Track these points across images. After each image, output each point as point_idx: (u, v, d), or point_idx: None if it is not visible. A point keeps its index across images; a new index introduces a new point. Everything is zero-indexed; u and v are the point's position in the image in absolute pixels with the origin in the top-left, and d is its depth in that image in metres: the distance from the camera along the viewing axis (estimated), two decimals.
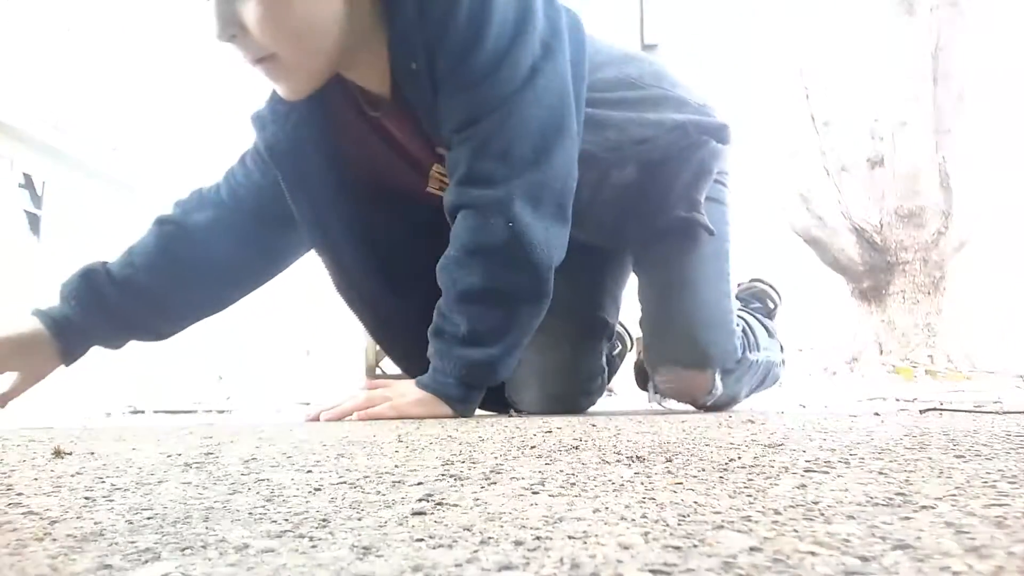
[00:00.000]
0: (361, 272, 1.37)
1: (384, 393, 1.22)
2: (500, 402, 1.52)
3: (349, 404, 1.21)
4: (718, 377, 1.38)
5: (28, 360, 1.28)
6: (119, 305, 1.32)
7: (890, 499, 0.46)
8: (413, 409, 1.16)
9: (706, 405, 1.42)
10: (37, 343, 1.28)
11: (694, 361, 1.37)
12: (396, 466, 0.68)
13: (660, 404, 1.67)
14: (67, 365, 1.34)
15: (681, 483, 0.54)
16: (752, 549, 0.35)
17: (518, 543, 0.37)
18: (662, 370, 1.41)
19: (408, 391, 1.19)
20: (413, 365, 1.35)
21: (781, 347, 1.70)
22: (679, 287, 1.39)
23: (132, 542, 0.40)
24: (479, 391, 1.22)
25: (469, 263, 1.14)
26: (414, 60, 1.10)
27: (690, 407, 1.54)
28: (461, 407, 1.20)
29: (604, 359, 1.62)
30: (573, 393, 1.54)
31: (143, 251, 1.36)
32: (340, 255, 1.35)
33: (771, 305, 1.78)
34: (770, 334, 1.65)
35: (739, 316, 1.52)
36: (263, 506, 0.50)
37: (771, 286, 1.79)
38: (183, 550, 0.38)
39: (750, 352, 1.47)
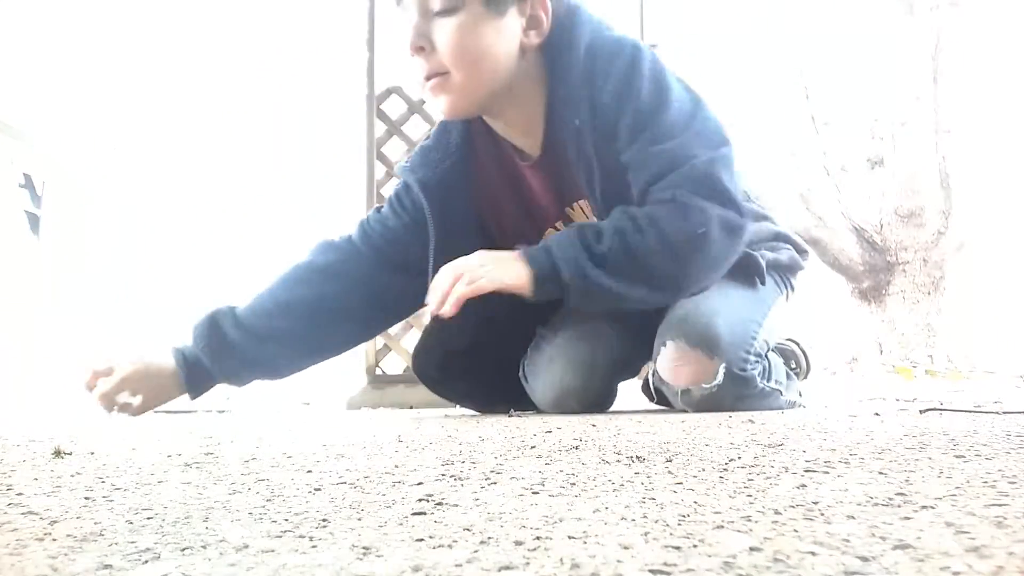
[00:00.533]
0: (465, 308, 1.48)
1: (459, 268, 1.27)
2: (501, 399, 1.59)
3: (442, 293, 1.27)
4: (721, 371, 1.37)
5: (151, 387, 1.46)
6: (244, 351, 1.46)
7: (890, 499, 0.46)
8: (490, 269, 1.26)
9: (700, 398, 1.40)
10: (163, 375, 1.46)
11: (705, 341, 1.36)
12: (396, 466, 0.68)
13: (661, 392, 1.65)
14: (192, 399, 1.50)
15: (681, 483, 0.54)
16: (752, 549, 0.35)
17: (518, 543, 0.37)
18: (670, 344, 1.39)
19: (477, 259, 1.28)
20: (473, 402, 1.63)
21: (800, 393, 1.68)
22: (717, 292, 1.44)
23: (132, 542, 0.40)
24: (556, 287, 1.27)
25: (651, 230, 1.25)
26: (577, 117, 1.27)
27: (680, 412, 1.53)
28: (537, 281, 1.26)
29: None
30: (586, 400, 1.55)
31: (270, 297, 1.49)
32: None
33: (794, 367, 1.78)
34: (789, 378, 1.64)
35: (765, 354, 1.51)
36: (263, 506, 0.49)
37: (804, 352, 1.77)
38: (183, 550, 0.38)
39: (761, 378, 1.46)
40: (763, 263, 1.47)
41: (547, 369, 1.55)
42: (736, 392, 1.41)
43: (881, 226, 6.67)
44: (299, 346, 1.51)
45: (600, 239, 1.26)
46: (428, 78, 1.29)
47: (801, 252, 1.60)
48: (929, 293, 6.62)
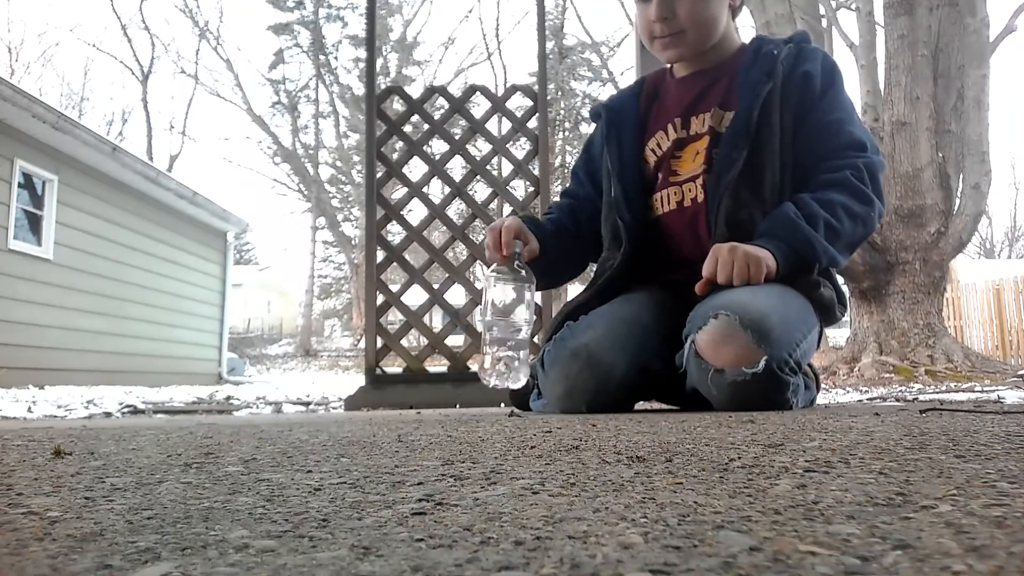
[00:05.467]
0: (615, 202, 1.78)
1: (737, 255, 1.48)
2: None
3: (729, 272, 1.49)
4: (763, 363, 1.37)
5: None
6: (547, 250, 1.77)
7: (890, 499, 0.46)
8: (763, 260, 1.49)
9: (731, 383, 1.39)
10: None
11: (757, 326, 1.36)
12: (396, 466, 0.68)
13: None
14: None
15: (681, 483, 0.54)
16: (752, 549, 0.35)
17: (518, 543, 0.37)
18: (722, 318, 1.39)
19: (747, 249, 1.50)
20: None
21: (813, 400, 1.74)
22: (777, 292, 1.50)
23: (132, 542, 0.40)
24: (792, 259, 1.53)
25: (859, 216, 1.59)
26: (770, 81, 1.64)
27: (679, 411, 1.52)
28: (787, 269, 1.52)
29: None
30: (595, 405, 1.56)
31: (548, 224, 1.87)
32: (614, 191, 1.79)
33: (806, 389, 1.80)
34: (807, 388, 1.67)
35: (801, 371, 1.54)
36: (263, 506, 0.49)
37: (816, 375, 1.79)
38: (183, 550, 0.38)
39: (792, 393, 1.48)
40: (833, 293, 1.63)
41: (566, 363, 1.57)
42: (767, 393, 1.40)
43: (881, 226, 6.68)
44: (559, 269, 1.90)
45: (838, 215, 1.55)
46: (663, 36, 1.73)
47: (840, 296, 1.69)
48: (929, 293, 6.62)
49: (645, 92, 1.90)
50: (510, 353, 1.56)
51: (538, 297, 3.19)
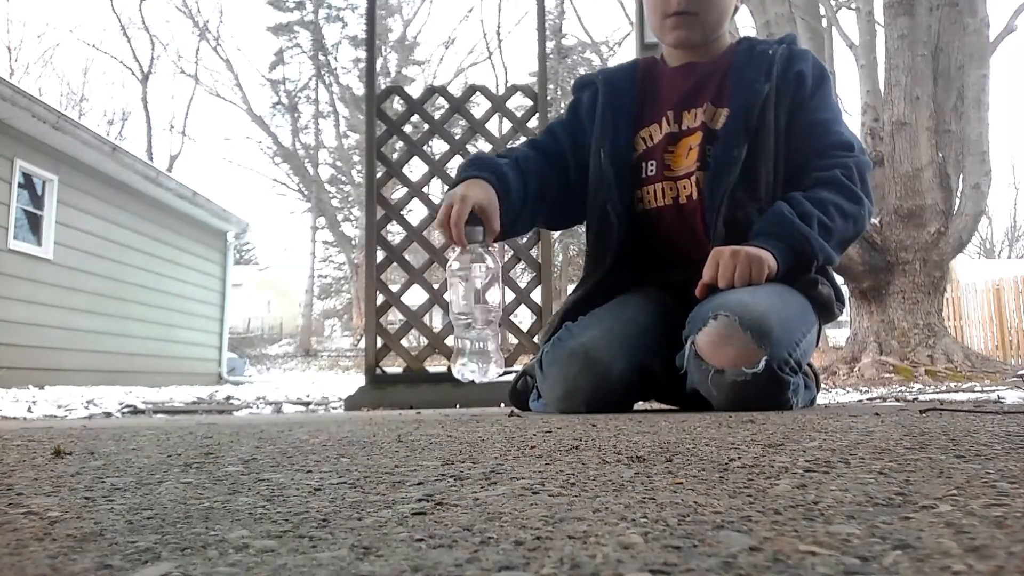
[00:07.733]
0: (604, 184, 1.76)
1: (739, 259, 1.49)
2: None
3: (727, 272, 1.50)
4: (763, 363, 1.37)
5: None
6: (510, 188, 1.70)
7: (890, 499, 0.46)
8: (764, 261, 1.50)
9: (731, 383, 1.39)
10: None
11: (757, 326, 1.37)
12: (396, 466, 0.68)
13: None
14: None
15: (681, 483, 0.54)
16: (752, 549, 0.35)
17: (518, 543, 0.37)
18: (721, 319, 1.39)
19: (748, 252, 1.50)
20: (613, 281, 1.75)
21: (813, 400, 1.75)
22: (776, 291, 1.50)
23: (132, 542, 0.40)
24: (790, 258, 1.54)
25: (850, 214, 1.60)
26: (768, 81, 1.66)
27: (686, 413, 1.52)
28: (778, 263, 1.53)
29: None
30: (595, 404, 1.56)
31: (518, 160, 1.79)
32: (604, 172, 1.76)
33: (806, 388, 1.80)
34: (807, 387, 1.68)
35: (801, 370, 1.54)
36: (263, 506, 0.49)
37: (816, 375, 1.80)
38: (183, 550, 0.38)
39: (793, 393, 1.49)
40: (831, 291, 1.63)
41: (564, 364, 1.56)
42: (767, 393, 1.40)
43: (881, 226, 6.67)
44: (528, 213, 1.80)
45: (829, 213, 1.56)
46: (676, 14, 1.72)
47: (838, 293, 1.69)
48: (929, 293, 6.61)
49: (640, 77, 1.88)
50: (481, 344, 1.50)
51: (537, 297, 3.20)
